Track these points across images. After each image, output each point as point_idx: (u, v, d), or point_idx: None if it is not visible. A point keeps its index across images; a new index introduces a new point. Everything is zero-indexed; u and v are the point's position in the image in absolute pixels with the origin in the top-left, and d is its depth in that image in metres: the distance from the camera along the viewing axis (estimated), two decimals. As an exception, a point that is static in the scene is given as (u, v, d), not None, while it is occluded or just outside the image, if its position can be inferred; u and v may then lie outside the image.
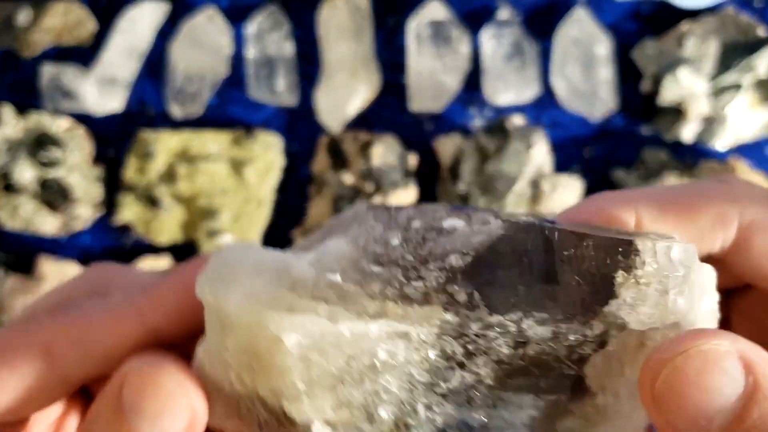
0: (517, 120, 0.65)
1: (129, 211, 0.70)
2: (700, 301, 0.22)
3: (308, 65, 0.73)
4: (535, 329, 0.21)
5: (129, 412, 0.19)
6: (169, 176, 0.70)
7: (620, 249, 0.20)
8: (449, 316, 0.21)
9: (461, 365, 0.21)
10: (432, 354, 0.21)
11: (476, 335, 0.21)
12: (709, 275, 0.22)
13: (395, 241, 0.22)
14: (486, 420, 0.22)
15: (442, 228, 0.22)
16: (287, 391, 0.21)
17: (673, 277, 0.20)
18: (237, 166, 0.70)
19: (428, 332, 0.21)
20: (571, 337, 0.21)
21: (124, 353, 0.23)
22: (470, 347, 0.21)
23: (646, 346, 0.21)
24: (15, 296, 0.66)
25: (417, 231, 0.22)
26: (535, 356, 0.21)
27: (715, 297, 0.23)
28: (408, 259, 0.22)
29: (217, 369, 0.23)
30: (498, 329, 0.21)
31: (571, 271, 0.21)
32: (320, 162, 0.72)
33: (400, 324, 0.21)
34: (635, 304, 0.21)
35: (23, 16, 0.71)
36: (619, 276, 0.20)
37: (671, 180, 0.67)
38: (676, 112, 0.68)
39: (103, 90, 0.70)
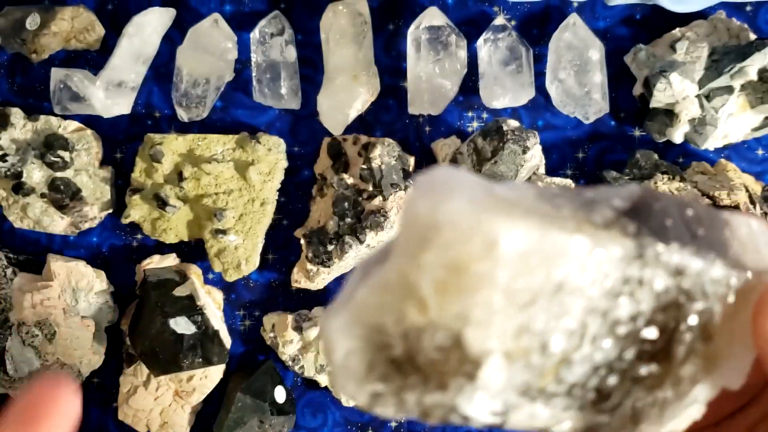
0: (513, 123, 0.65)
1: (136, 211, 0.71)
2: None
3: (310, 69, 0.73)
4: (691, 260, 0.23)
5: None
6: (176, 177, 0.71)
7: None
8: (629, 241, 0.22)
9: (631, 294, 0.23)
10: (613, 275, 0.22)
11: (646, 263, 0.23)
12: None
13: (564, 191, 0.23)
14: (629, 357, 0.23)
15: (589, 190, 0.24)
16: (477, 313, 0.21)
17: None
18: (241, 168, 0.71)
19: (615, 252, 0.22)
20: (717, 273, 0.23)
21: None
22: (642, 274, 0.23)
23: (755, 290, 0.24)
24: (24, 294, 0.66)
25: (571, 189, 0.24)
26: (685, 289, 0.23)
27: None
28: (582, 197, 0.23)
29: (380, 306, 0.22)
30: (663, 258, 0.23)
31: (701, 226, 0.24)
32: (322, 163, 0.72)
33: (598, 239, 0.22)
34: (741, 253, 0.24)
35: (32, 21, 0.70)
36: (727, 233, 0.24)
37: (662, 181, 0.68)
38: (668, 115, 0.69)
39: (111, 93, 0.71)
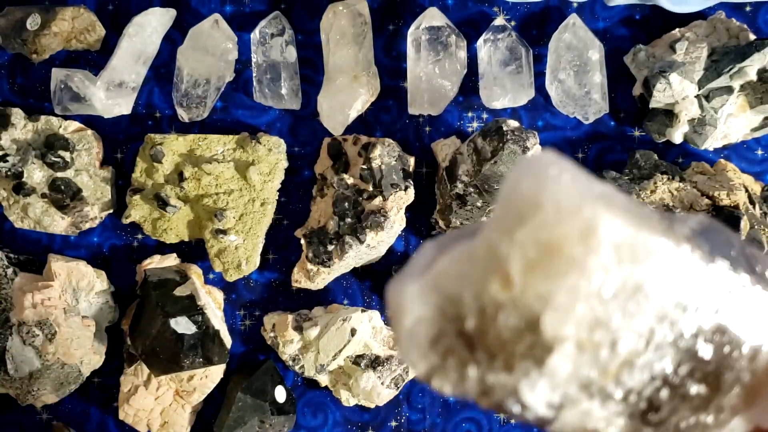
0: (513, 123, 0.65)
1: (137, 211, 0.71)
2: None
3: (311, 70, 0.73)
4: (752, 288, 0.24)
5: None
6: (176, 177, 0.71)
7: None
8: (703, 257, 0.23)
9: (698, 309, 0.23)
10: (689, 286, 0.23)
11: (716, 283, 0.23)
12: None
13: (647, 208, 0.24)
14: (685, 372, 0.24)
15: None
16: (560, 296, 0.21)
17: None
18: (242, 168, 0.71)
19: (695, 263, 0.23)
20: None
21: None
22: (712, 294, 0.23)
23: None
24: (25, 294, 0.66)
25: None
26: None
27: None
28: (660, 213, 0.24)
29: (462, 276, 0.22)
30: (729, 280, 0.24)
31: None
32: (322, 163, 0.72)
33: (680, 249, 0.23)
34: None
35: (33, 21, 0.70)
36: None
37: (662, 181, 0.68)
38: (668, 115, 0.69)
39: (111, 94, 0.71)
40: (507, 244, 0.22)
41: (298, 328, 0.70)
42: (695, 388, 0.24)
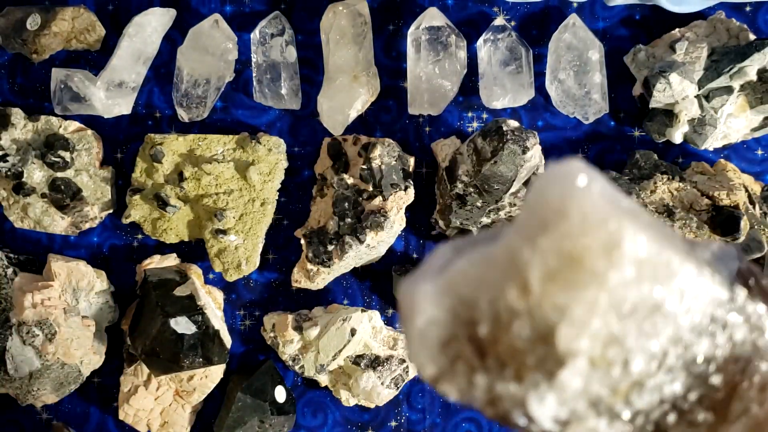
0: (513, 123, 0.65)
1: (137, 211, 0.71)
2: None
3: (310, 70, 0.73)
4: (764, 313, 0.24)
5: None
6: (176, 177, 0.71)
7: None
8: (724, 286, 0.23)
9: (713, 335, 0.23)
10: (703, 311, 0.23)
11: (734, 308, 0.23)
12: None
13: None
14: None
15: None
16: (578, 309, 0.21)
17: None
18: (242, 168, 0.71)
19: (714, 290, 0.23)
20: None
21: None
22: (728, 318, 0.23)
23: None
24: (25, 294, 0.66)
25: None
26: (759, 346, 0.24)
27: None
28: (681, 236, 0.24)
29: (479, 280, 0.22)
30: (748, 309, 0.23)
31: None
32: (322, 163, 0.72)
33: (701, 273, 0.22)
34: None
35: (33, 21, 0.70)
36: None
37: (662, 181, 0.68)
38: (668, 115, 0.69)
39: (111, 94, 0.71)
40: (528, 251, 0.21)
41: (298, 328, 0.70)
42: (702, 415, 0.24)
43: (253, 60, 0.71)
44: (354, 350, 0.70)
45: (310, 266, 0.69)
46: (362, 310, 0.70)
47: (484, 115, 0.73)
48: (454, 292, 0.23)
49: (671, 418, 0.23)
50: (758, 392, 0.24)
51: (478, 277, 0.22)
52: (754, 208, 0.67)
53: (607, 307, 0.21)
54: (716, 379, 0.23)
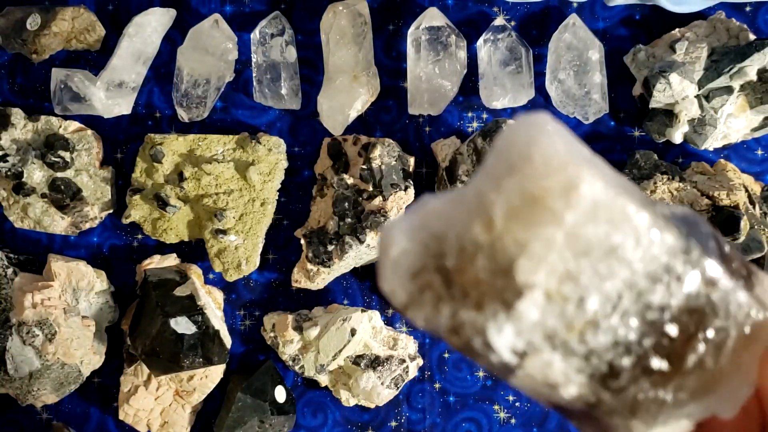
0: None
1: (137, 211, 0.71)
2: None
3: (310, 70, 0.73)
4: (724, 277, 0.25)
5: None
6: (176, 177, 0.71)
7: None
8: (680, 236, 0.24)
9: (668, 285, 0.24)
10: (659, 261, 0.24)
11: (689, 261, 0.24)
12: None
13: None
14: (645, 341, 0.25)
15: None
16: (536, 245, 0.23)
17: None
18: (242, 168, 0.71)
19: (668, 239, 0.24)
20: (741, 299, 0.25)
21: None
22: (683, 270, 0.24)
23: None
24: (25, 294, 0.66)
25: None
26: (712, 301, 0.25)
27: None
28: (644, 195, 0.25)
29: (449, 216, 0.24)
30: (703, 264, 0.24)
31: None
32: (322, 163, 0.72)
33: (657, 223, 0.24)
34: (762, 297, 0.26)
35: (32, 21, 0.70)
36: (754, 278, 0.26)
37: (662, 181, 0.68)
38: (668, 115, 0.69)
39: (111, 94, 0.71)
40: (494, 192, 0.23)
41: (298, 328, 0.70)
42: (657, 363, 0.24)
43: (253, 60, 0.71)
44: (354, 350, 0.70)
45: (310, 266, 0.69)
46: (362, 310, 0.70)
47: (484, 115, 0.73)
48: (426, 226, 0.25)
49: (626, 361, 0.24)
50: (713, 348, 0.25)
51: (448, 214, 0.24)
52: (754, 208, 0.67)
53: (564, 245, 0.23)
54: (671, 329, 0.24)
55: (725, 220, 0.64)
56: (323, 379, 0.71)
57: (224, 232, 0.70)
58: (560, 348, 0.24)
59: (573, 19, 0.70)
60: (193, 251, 0.73)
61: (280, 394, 0.71)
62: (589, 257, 0.23)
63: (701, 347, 0.25)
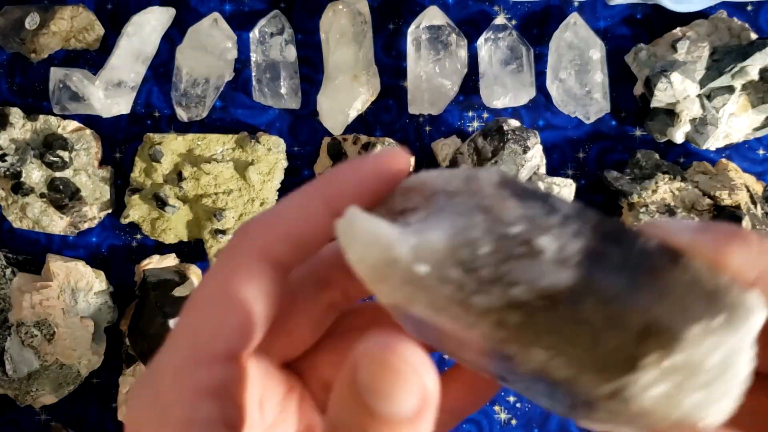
0: (513, 122, 0.65)
1: (135, 211, 0.71)
2: None
3: (310, 69, 0.73)
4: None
5: (365, 394, 0.19)
6: (175, 177, 0.71)
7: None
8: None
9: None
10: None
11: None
12: None
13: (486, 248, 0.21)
14: None
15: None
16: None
17: None
18: (241, 168, 0.71)
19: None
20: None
21: (319, 239, 0.24)
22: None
23: None
24: (23, 294, 0.66)
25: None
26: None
27: None
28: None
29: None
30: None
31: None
32: (322, 163, 0.72)
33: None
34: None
35: (31, 20, 0.70)
36: None
37: (663, 181, 0.67)
38: (669, 115, 0.69)
39: (110, 93, 0.70)
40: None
41: (298, 329, 0.70)
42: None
43: (253, 59, 0.71)
44: (354, 351, 0.69)
45: (309, 266, 0.69)
46: (362, 311, 0.70)
47: (485, 115, 0.73)
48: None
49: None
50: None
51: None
52: (755, 208, 0.67)
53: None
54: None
55: (727, 220, 0.64)
56: (323, 380, 0.71)
57: (223, 232, 0.70)
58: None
59: (574, 18, 0.70)
60: (192, 251, 0.73)
61: (279, 394, 0.71)
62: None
63: None
